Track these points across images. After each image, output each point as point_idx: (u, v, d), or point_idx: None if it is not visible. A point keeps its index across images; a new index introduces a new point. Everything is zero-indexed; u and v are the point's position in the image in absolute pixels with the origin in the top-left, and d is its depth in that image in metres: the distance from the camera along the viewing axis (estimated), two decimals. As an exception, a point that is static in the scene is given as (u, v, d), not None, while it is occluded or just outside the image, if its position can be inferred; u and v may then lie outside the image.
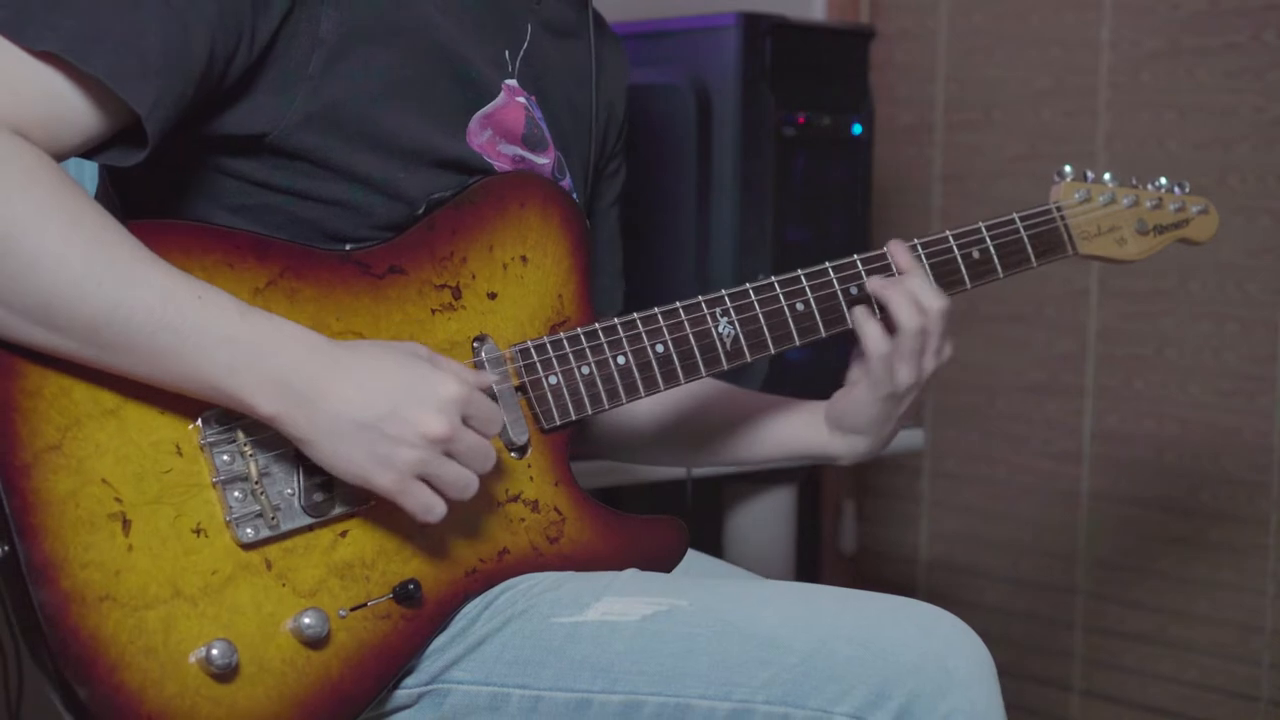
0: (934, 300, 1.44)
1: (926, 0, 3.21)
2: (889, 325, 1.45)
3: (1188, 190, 1.67)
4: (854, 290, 1.48)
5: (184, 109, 1.24)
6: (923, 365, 1.45)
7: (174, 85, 1.21)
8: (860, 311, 1.46)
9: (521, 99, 1.46)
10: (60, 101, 1.18)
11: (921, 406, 3.24)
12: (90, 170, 1.47)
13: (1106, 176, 1.62)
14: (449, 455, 1.24)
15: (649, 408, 1.62)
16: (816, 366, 2.13)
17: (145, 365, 1.18)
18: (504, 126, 1.44)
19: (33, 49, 1.17)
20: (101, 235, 1.16)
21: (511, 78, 1.46)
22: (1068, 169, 1.60)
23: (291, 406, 1.20)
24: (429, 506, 1.25)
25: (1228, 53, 2.79)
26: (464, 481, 1.26)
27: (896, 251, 1.47)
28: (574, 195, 1.52)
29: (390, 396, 1.21)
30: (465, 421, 1.24)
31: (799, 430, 1.57)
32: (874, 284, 1.45)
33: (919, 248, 1.49)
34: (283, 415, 1.20)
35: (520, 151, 1.46)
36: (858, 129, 2.46)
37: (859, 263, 1.48)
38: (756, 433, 1.60)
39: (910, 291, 1.44)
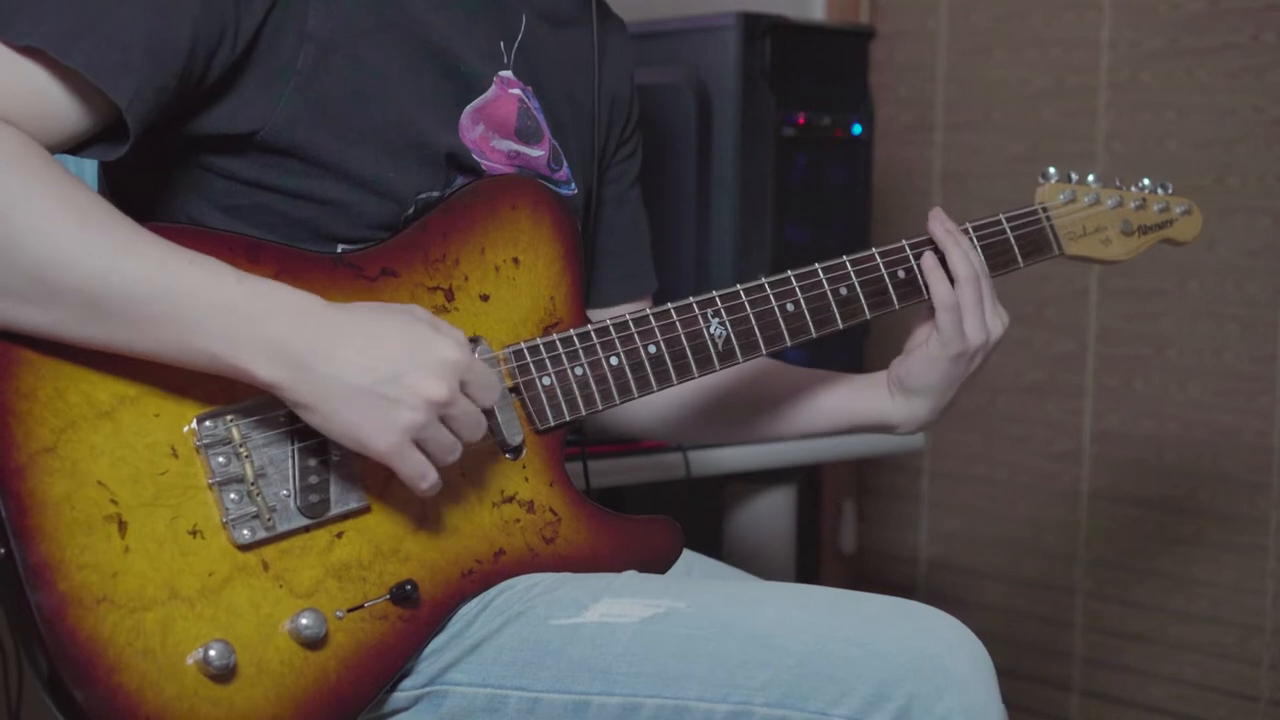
0: (977, 257, 1.51)
1: (926, 0, 3.21)
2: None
3: (1171, 191, 1.69)
4: (843, 290, 1.49)
5: (166, 103, 1.24)
6: (988, 323, 1.50)
7: (155, 78, 1.22)
8: (929, 259, 1.50)
9: (516, 90, 1.47)
10: (45, 96, 1.19)
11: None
12: (91, 173, 1.47)
13: (1090, 178, 1.64)
14: (443, 420, 1.24)
15: (694, 386, 1.61)
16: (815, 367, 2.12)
17: (144, 337, 1.17)
18: (496, 120, 1.44)
19: (16, 44, 1.17)
20: (91, 210, 1.16)
21: (506, 69, 1.46)
22: (1052, 170, 1.62)
23: (290, 371, 1.19)
24: (423, 473, 1.24)
25: (1228, 53, 2.79)
26: (450, 446, 1.25)
27: (936, 220, 1.52)
28: (572, 185, 1.53)
29: (391, 360, 1.21)
30: (463, 388, 1.24)
31: (857, 398, 1.59)
32: (937, 229, 1.51)
33: (970, 230, 1.55)
34: (282, 381, 1.19)
35: (514, 146, 1.46)
36: (858, 129, 2.46)
37: (848, 264, 1.50)
38: (813, 405, 1.61)
39: (963, 245, 1.50)
